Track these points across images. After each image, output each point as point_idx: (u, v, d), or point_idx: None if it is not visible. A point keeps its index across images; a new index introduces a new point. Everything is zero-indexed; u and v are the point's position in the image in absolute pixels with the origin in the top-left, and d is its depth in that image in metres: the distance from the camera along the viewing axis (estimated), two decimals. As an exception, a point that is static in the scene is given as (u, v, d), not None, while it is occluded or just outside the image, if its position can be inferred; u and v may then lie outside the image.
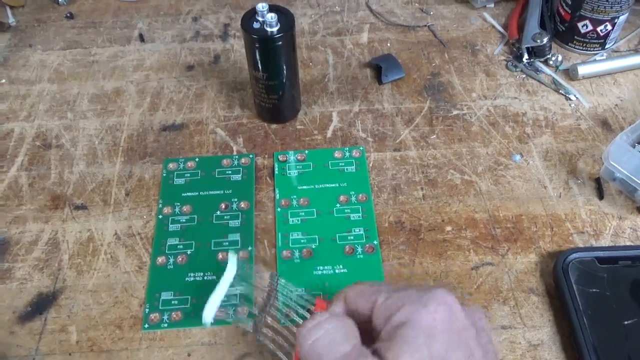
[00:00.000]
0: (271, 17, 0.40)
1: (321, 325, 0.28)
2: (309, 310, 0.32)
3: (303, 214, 0.41)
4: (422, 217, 0.41)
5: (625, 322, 0.34)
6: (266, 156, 0.45)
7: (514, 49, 0.53)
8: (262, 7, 0.40)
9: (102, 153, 0.46)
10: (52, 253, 0.40)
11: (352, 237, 0.40)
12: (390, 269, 0.38)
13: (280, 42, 0.41)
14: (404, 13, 0.58)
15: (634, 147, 0.41)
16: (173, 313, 0.36)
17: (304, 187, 0.43)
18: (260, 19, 0.41)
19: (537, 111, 0.48)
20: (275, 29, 0.40)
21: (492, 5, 0.58)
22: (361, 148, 0.45)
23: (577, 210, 0.41)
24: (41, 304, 0.37)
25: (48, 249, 0.40)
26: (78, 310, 0.37)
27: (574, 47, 0.53)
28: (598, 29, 0.51)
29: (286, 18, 0.41)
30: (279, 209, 0.42)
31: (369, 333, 0.29)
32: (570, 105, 0.49)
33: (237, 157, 0.45)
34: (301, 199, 0.42)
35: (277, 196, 0.42)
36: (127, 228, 0.41)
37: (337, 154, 0.45)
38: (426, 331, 0.27)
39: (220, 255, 0.39)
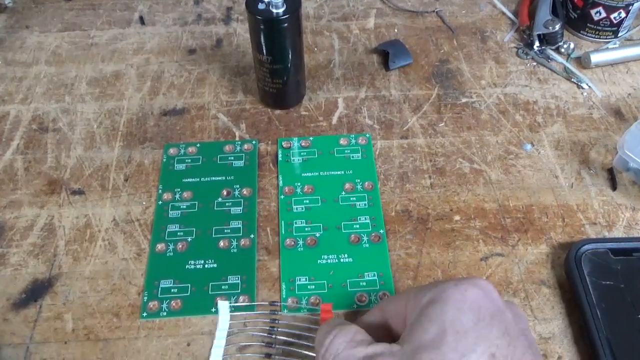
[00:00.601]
0: (277, -3, 0.39)
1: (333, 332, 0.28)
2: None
3: (307, 201, 0.40)
4: (429, 206, 0.40)
5: (640, 316, 0.33)
6: (269, 142, 0.44)
7: (525, 36, 0.52)
8: (267, -13, 0.39)
9: (101, 137, 0.45)
10: (48, 239, 0.38)
11: (357, 226, 0.39)
12: (397, 259, 0.37)
13: (286, 24, 0.39)
14: (411, -2, 0.57)
15: (649, 136, 0.40)
16: (172, 301, 0.35)
17: (308, 174, 0.42)
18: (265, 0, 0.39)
19: (549, 99, 0.47)
20: (281, 10, 0.39)
21: (502, -9, 0.57)
22: (367, 135, 0.44)
23: (589, 201, 0.40)
24: (36, 291, 0.36)
25: (44, 234, 0.39)
26: (74, 298, 0.36)
27: (587, 35, 0.52)
28: (611, 17, 0.49)
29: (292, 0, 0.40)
30: (282, 197, 0.40)
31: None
32: (582, 93, 0.47)
33: (239, 143, 0.44)
34: (305, 187, 0.41)
35: (281, 183, 0.41)
36: (125, 214, 0.40)
37: (342, 141, 0.44)
38: (454, 305, 0.25)
39: (221, 243, 0.38)
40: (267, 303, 0.35)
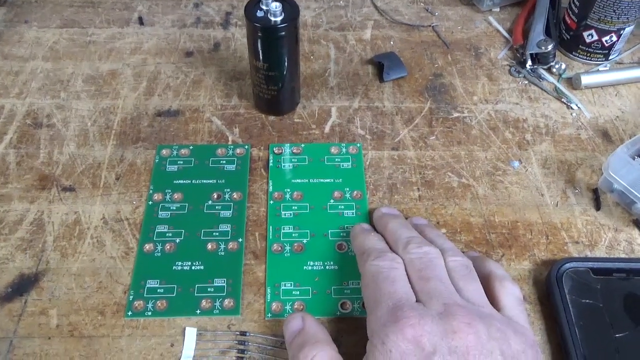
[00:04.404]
0: (275, 6, 0.39)
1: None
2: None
3: (296, 207, 0.41)
4: (417, 218, 0.41)
5: (617, 335, 0.34)
6: (262, 148, 0.44)
7: (518, 55, 0.53)
8: (266, -5, 0.39)
9: (94, 135, 0.45)
10: (37, 234, 0.39)
11: (344, 234, 0.39)
12: (382, 269, 0.38)
13: (283, 32, 0.40)
14: (408, 12, 0.57)
15: (634, 159, 0.41)
16: (158, 302, 0.35)
17: (298, 180, 0.42)
18: (264, 7, 0.40)
19: (538, 118, 0.48)
20: (279, 19, 0.39)
21: (498, 9, 0.58)
22: (358, 145, 0.45)
23: (573, 220, 0.41)
24: (22, 286, 0.36)
25: (32, 229, 0.39)
26: (60, 294, 0.36)
27: (578, 56, 0.52)
28: (603, 40, 0.50)
29: (291, 8, 0.40)
30: (271, 202, 0.41)
31: None
32: (571, 114, 0.48)
33: (232, 147, 0.44)
34: (294, 193, 0.41)
35: (271, 188, 0.42)
36: (115, 213, 0.40)
37: (333, 150, 0.44)
38: None
39: (209, 246, 0.38)
40: (237, 332, 0.34)
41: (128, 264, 0.37)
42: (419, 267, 0.31)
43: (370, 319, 0.30)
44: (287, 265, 0.38)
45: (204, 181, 0.42)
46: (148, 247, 0.38)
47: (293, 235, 0.39)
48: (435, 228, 0.38)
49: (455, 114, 0.48)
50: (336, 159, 0.44)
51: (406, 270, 0.32)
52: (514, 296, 0.32)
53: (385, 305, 0.29)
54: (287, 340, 0.31)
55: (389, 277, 0.31)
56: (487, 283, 0.33)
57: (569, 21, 0.52)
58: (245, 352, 0.33)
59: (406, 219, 0.39)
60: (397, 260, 0.32)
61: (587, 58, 0.52)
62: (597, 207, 0.42)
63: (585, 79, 0.49)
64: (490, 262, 0.34)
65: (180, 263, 0.37)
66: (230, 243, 0.38)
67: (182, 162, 0.43)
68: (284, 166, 0.43)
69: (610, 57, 0.52)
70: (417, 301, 0.30)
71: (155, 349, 0.34)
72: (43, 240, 0.38)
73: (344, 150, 0.44)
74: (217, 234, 0.39)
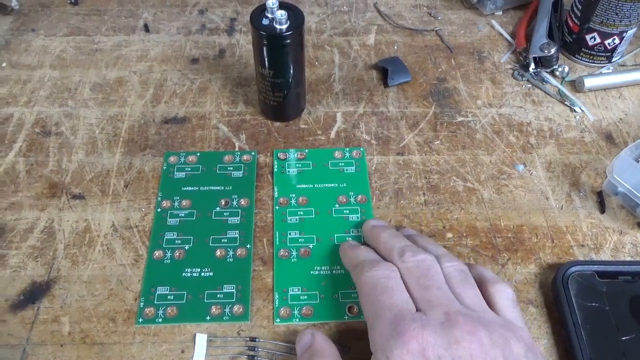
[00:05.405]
0: (281, 14, 0.40)
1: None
2: None
3: (301, 212, 0.41)
4: (423, 223, 0.41)
5: (623, 338, 0.34)
6: (268, 154, 0.45)
7: (521, 58, 0.53)
8: (272, 3, 0.40)
9: (102, 143, 0.45)
10: (48, 242, 0.39)
11: (350, 238, 0.40)
12: (389, 274, 0.38)
13: (289, 40, 0.40)
14: (411, 16, 0.58)
15: (638, 162, 0.41)
16: (168, 308, 0.36)
17: (303, 185, 0.43)
18: (269, 15, 0.40)
19: (542, 121, 0.48)
20: (284, 27, 0.40)
21: (501, 13, 0.58)
22: (361, 149, 0.45)
23: (578, 223, 0.41)
24: (34, 293, 0.37)
25: (43, 237, 0.39)
26: (72, 301, 0.36)
27: (581, 59, 0.53)
28: (606, 42, 0.50)
29: (296, 16, 0.41)
30: (277, 207, 0.41)
31: None
32: (575, 117, 0.48)
33: (239, 153, 0.45)
34: (300, 198, 0.42)
35: (276, 194, 0.42)
36: (124, 220, 0.40)
37: (337, 154, 0.45)
38: None
39: (218, 252, 0.39)
40: (247, 338, 0.35)
41: (138, 271, 0.38)
42: (417, 274, 0.31)
43: (372, 333, 0.30)
44: (294, 270, 0.38)
45: (212, 188, 0.42)
46: (157, 254, 0.38)
47: (299, 240, 0.39)
48: (425, 237, 0.38)
49: (460, 118, 0.48)
50: (340, 164, 0.44)
51: (403, 279, 0.32)
52: (507, 298, 0.32)
53: (386, 318, 0.29)
54: (297, 355, 0.32)
55: (387, 287, 0.31)
56: (479, 287, 0.33)
57: (571, 24, 0.52)
58: (255, 358, 0.34)
59: (397, 230, 0.39)
60: (393, 268, 0.32)
61: (590, 61, 0.53)
62: (602, 210, 0.42)
63: (589, 82, 0.50)
64: (478, 267, 0.35)
65: (189, 270, 0.38)
66: (239, 249, 0.39)
67: (189, 169, 0.43)
68: (288, 171, 0.44)
69: (613, 60, 0.52)
70: (417, 310, 0.30)
71: (166, 356, 0.34)
72: (54, 248, 0.39)
73: (347, 154, 0.45)
74: (226, 240, 0.39)
